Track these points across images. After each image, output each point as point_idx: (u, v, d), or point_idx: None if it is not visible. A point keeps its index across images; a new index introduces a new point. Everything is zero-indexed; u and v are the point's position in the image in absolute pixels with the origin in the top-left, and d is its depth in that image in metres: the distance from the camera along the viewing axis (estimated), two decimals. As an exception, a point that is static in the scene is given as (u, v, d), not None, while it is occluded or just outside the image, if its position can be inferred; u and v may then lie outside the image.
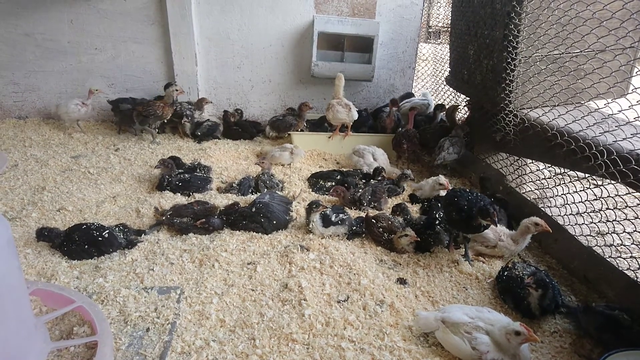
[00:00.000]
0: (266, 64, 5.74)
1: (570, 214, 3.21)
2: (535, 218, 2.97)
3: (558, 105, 3.29)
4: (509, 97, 3.50)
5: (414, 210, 3.77)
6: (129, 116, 5.06)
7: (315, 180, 4.16)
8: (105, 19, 5.26)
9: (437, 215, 3.30)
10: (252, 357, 2.10)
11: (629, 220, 2.77)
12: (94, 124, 5.55)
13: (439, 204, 3.51)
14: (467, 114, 4.81)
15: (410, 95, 5.99)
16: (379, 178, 4.15)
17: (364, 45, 5.53)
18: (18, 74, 5.40)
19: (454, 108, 4.76)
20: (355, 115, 4.81)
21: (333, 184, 4.05)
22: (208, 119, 5.40)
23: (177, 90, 4.88)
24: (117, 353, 2.09)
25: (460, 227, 2.99)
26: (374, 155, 4.51)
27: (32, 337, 1.94)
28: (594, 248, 2.95)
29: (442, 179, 3.79)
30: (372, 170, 4.26)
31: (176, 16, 5.21)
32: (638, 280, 2.61)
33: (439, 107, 5.17)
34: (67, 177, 4.01)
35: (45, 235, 2.90)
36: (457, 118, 4.72)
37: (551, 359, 2.26)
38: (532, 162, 3.87)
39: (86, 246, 2.85)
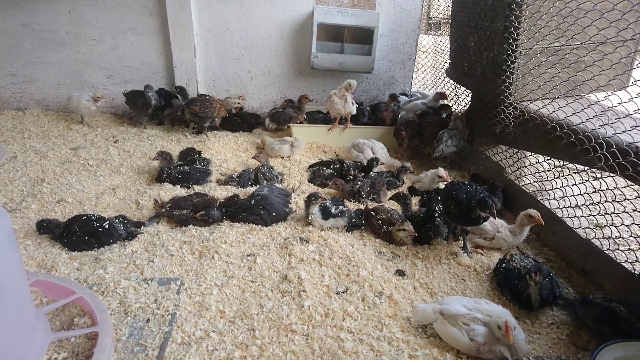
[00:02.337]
0: (265, 56, 5.71)
1: (569, 207, 3.22)
2: (529, 210, 2.97)
3: (558, 97, 3.28)
4: (509, 90, 3.49)
5: (414, 202, 3.77)
6: (140, 108, 5.10)
7: (317, 169, 4.20)
8: (104, 9, 5.22)
9: (436, 208, 3.30)
10: (252, 347, 2.12)
11: (627, 212, 2.78)
12: (92, 115, 5.52)
13: (439, 197, 3.51)
14: (467, 106, 4.79)
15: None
16: (376, 171, 4.15)
17: (364, 37, 5.49)
18: (16, 65, 5.38)
19: (465, 115, 4.58)
20: (353, 108, 4.79)
21: (333, 172, 4.09)
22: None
23: (239, 102, 5.22)
24: (118, 344, 2.11)
25: (458, 220, 3.00)
26: (373, 149, 4.50)
27: (32, 328, 1.95)
28: (592, 240, 2.96)
29: (442, 171, 3.80)
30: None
31: (175, 7, 5.17)
32: (636, 272, 2.63)
33: (444, 107, 5.06)
34: (67, 169, 4.01)
35: (46, 227, 2.90)
36: (462, 125, 4.56)
37: (548, 350, 2.28)
38: (532, 155, 3.87)
39: (86, 237, 2.85)
